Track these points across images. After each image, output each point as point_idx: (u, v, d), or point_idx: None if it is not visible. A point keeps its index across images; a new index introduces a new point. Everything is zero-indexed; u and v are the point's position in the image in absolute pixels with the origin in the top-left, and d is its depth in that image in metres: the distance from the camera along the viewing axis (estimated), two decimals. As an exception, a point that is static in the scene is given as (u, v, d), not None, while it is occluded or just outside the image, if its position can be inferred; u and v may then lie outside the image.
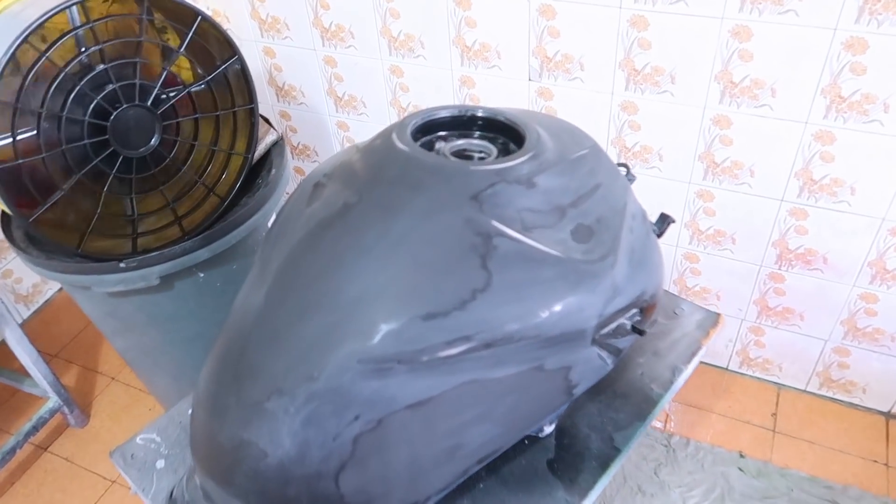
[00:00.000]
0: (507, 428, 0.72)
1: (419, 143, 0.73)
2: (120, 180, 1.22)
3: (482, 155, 0.74)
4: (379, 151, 0.69)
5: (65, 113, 1.11)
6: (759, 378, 1.73)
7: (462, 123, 0.77)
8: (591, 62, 1.39)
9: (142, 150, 1.22)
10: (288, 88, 1.80)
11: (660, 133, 1.43)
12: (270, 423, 0.62)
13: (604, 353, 0.77)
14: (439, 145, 0.75)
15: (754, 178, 1.40)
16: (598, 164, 0.76)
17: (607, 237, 0.70)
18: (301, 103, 1.81)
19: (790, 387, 1.70)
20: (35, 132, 1.11)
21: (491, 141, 0.76)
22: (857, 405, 1.65)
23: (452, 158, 0.71)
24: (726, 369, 1.76)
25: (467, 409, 0.67)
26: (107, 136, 1.16)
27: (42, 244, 1.26)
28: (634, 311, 0.74)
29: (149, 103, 1.20)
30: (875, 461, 1.56)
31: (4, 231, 1.30)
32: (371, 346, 0.61)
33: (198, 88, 1.26)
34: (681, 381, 0.91)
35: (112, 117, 1.16)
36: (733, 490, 1.52)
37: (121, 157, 1.20)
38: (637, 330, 0.75)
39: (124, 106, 1.17)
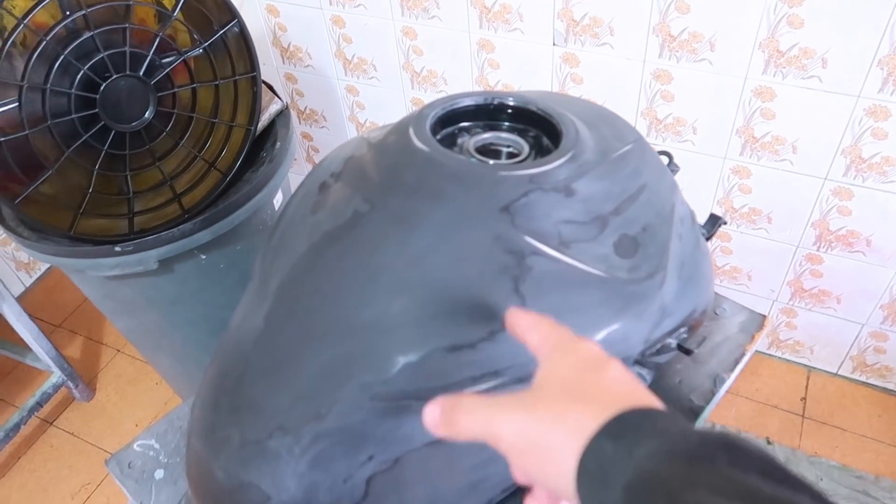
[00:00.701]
0: (536, 458, 0.65)
1: (439, 136, 0.64)
2: (112, 157, 1.13)
3: (512, 150, 0.65)
4: (394, 150, 0.60)
5: (49, 85, 1.02)
6: (788, 360, 1.65)
7: (488, 113, 0.67)
8: (622, 26, 1.28)
9: (135, 123, 1.13)
10: (293, 50, 1.68)
11: (695, 105, 1.32)
12: (273, 464, 0.55)
13: (643, 371, 0.70)
14: (462, 139, 0.65)
15: (796, 155, 1.29)
16: (642, 161, 0.66)
17: (654, 249, 0.61)
18: (308, 66, 1.70)
19: (821, 370, 1.63)
20: (17, 105, 1.02)
21: (521, 134, 0.66)
22: (891, 390, 1.58)
23: (478, 158, 0.62)
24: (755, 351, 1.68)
25: (493, 443, 0.59)
26: (96, 110, 1.07)
27: (32, 224, 1.18)
28: (682, 329, 0.65)
29: (141, 73, 1.11)
30: (909, 451, 1.49)
31: (-7, 209, 1.22)
32: (387, 381, 0.53)
33: (194, 54, 1.16)
34: (723, 391, 0.83)
35: (101, 89, 1.07)
36: None
37: (112, 132, 1.11)
38: (684, 350, 0.67)
39: (114, 76, 1.07)
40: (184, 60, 1.15)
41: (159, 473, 0.82)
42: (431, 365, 0.53)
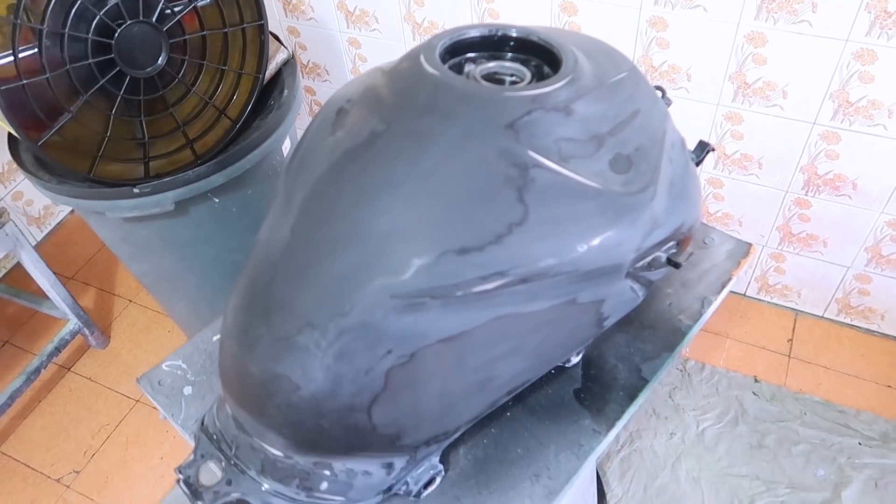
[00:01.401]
0: (537, 360, 0.72)
1: (447, 65, 0.69)
2: (128, 102, 1.18)
3: (514, 79, 0.70)
4: (406, 75, 0.65)
5: (67, 30, 1.06)
6: (777, 304, 1.72)
7: (493, 44, 0.72)
8: (620, -26, 1.31)
9: (149, 69, 1.17)
10: (296, 2, 1.71)
11: (689, 51, 1.36)
12: (302, 357, 0.61)
13: (636, 286, 0.75)
14: (469, 68, 0.70)
15: (787, 100, 1.34)
16: (636, 88, 0.72)
17: (646, 168, 0.67)
18: (310, 18, 1.74)
19: (808, 313, 1.70)
20: (37, 50, 1.06)
21: (524, 63, 0.71)
22: (874, 331, 1.65)
23: (484, 83, 0.67)
24: (744, 295, 1.75)
25: (499, 343, 0.66)
26: (112, 55, 1.12)
27: (52, 168, 1.23)
28: (671, 243, 0.71)
29: (154, 19, 1.14)
30: (889, 386, 1.57)
31: (13, 155, 1.27)
32: (403, 282, 0.59)
33: (204, 3, 1.20)
34: (710, 312, 0.89)
35: (116, 35, 1.11)
36: (747, 413, 1.54)
37: (128, 78, 1.15)
38: (673, 263, 0.72)
39: (129, 22, 1.11)
40: (194, 9, 1.19)
41: (188, 390, 0.89)
42: (443, 266, 0.59)
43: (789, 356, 1.64)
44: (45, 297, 1.77)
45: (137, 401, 1.74)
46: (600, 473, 1.49)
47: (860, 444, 1.48)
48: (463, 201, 0.59)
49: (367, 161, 0.62)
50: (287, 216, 0.65)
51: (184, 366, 0.92)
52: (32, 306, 1.85)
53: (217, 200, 1.25)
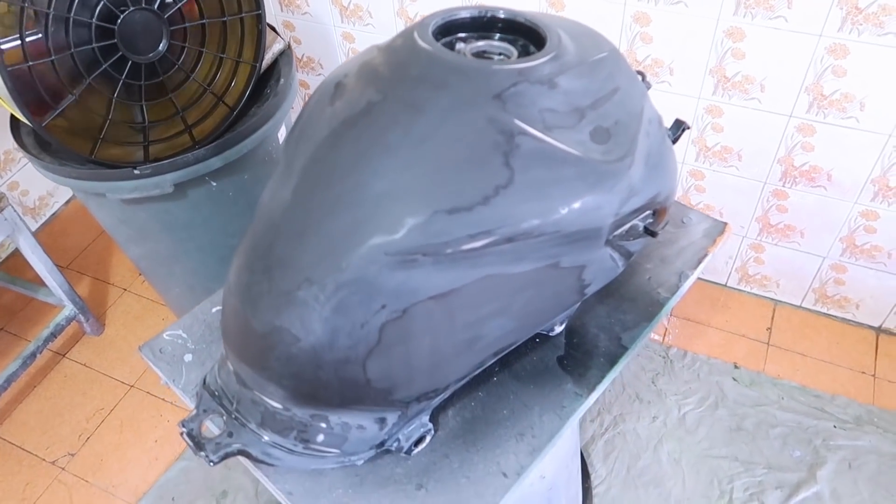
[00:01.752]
0: (522, 323, 0.76)
1: (440, 43, 0.73)
2: (128, 87, 1.22)
3: (502, 56, 0.75)
4: (401, 50, 0.70)
5: (72, 14, 1.10)
6: (756, 294, 1.78)
7: (482, 25, 0.77)
8: (605, -29, 1.37)
9: (150, 55, 1.21)
10: (293, -3, 1.76)
11: (672, 46, 1.42)
12: (302, 311, 0.65)
13: (616, 255, 0.80)
14: (459, 46, 0.75)
15: (764, 94, 1.40)
16: (616, 68, 0.76)
17: (625, 139, 0.71)
18: (305, 13, 1.78)
19: (786, 303, 1.76)
20: (41, 35, 1.10)
21: (511, 43, 0.76)
22: (849, 320, 1.71)
23: (474, 59, 0.71)
24: (725, 286, 1.80)
25: (486, 302, 0.70)
26: (115, 41, 1.16)
27: (54, 151, 1.26)
28: (648, 213, 0.76)
29: (155, 7, 1.19)
30: (863, 372, 1.62)
31: (15, 138, 1.30)
32: (397, 240, 0.63)
33: None
34: (686, 285, 0.94)
35: (119, 21, 1.15)
36: (726, 398, 1.59)
37: (129, 63, 1.19)
38: (649, 231, 0.77)
39: (131, 9, 1.15)
40: None
41: (188, 357, 0.93)
42: (434, 225, 0.63)
43: (768, 343, 1.69)
44: (40, 284, 1.80)
45: (132, 386, 1.76)
46: (585, 455, 1.53)
47: (835, 426, 1.53)
48: (453, 165, 0.64)
49: (364, 128, 0.66)
50: (288, 180, 0.69)
51: (184, 335, 0.96)
52: (28, 293, 1.87)
53: (214, 184, 1.29)
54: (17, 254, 1.63)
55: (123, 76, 1.19)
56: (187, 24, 1.24)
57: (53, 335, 1.78)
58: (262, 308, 0.67)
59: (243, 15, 1.28)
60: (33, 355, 1.73)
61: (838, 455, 1.49)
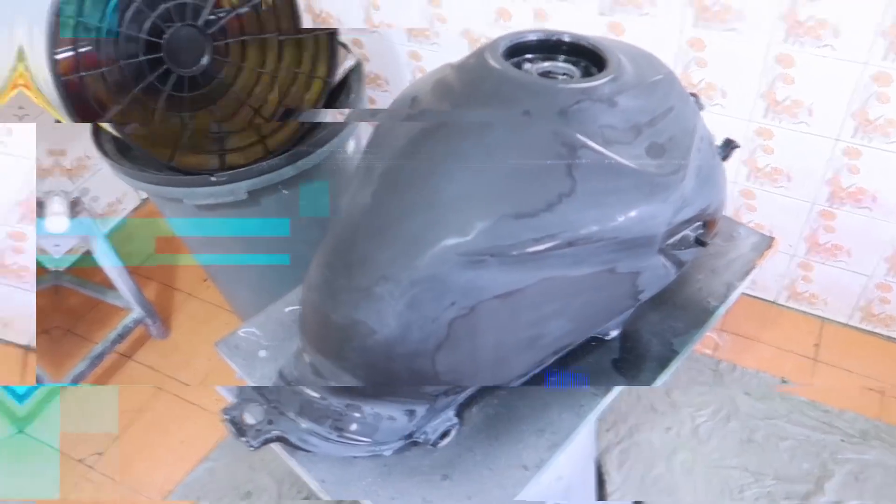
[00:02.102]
0: (579, 324, 0.81)
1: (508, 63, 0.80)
2: (178, 99, 1.26)
3: (566, 76, 0.81)
4: (473, 69, 0.76)
5: (123, 29, 1.17)
6: (805, 312, 1.79)
7: (548, 47, 0.83)
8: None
9: (193, 68, 1.25)
10: (366, 15, 1.84)
11: (724, 71, 1.46)
12: (378, 305, 0.71)
13: (668, 263, 0.84)
14: (527, 66, 0.81)
15: (812, 117, 1.43)
16: (671, 89, 0.82)
17: (678, 154, 0.76)
18: (374, 31, 1.87)
19: (833, 320, 1.77)
20: (93, 48, 1.16)
21: (574, 64, 0.82)
22: (894, 339, 1.71)
23: (540, 78, 0.77)
24: (774, 303, 1.82)
25: (547, 303, 0.75)
26: (161, 54, 1.21)
27: (133, 158, 1.35)
28: (698, 223, 0.81)
29: (199, 23, 1.23)
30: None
31: (97, 145, 1.39)
32: (467, 241, 0.69)
33: (244, 11, 1.29)
34: (734, 295, 0.98)
35: (166, 36, 1.20)
36: (739, 411, 1.65)
37: (173, 76, 1.23)
38: (700, 241, 0.82)
39: (177, 25, 1.21)
40: (237, 16, 1.28)
41: (262, 353, 1.00)
42: (502, 228, 0.69)
43: (815, 359, 1.70)
44: (109, 287, 1.89)
45: (160, 389, 1.83)
46: (601, 463, 1.56)
47: (842, 440, 1.55)
48: (520, 174, 0.70)
49: (440, 138, 0.73)
50: (368, 185, 0.76)
51: (258, 332, 1.03)
52: (97, 296, 1.97)
53: (286, 192, 1.37)
54: (84, 257, 1.72)
55: (168, 88, 1.23)
56: (230, 41, 1.28)
57: (121, 337, 1.86)
58: (341, 302, 0.73)
59: (318, 33, 1.37)
60: (101, 356, 1.82)
61: (845, 468, 1.51)
